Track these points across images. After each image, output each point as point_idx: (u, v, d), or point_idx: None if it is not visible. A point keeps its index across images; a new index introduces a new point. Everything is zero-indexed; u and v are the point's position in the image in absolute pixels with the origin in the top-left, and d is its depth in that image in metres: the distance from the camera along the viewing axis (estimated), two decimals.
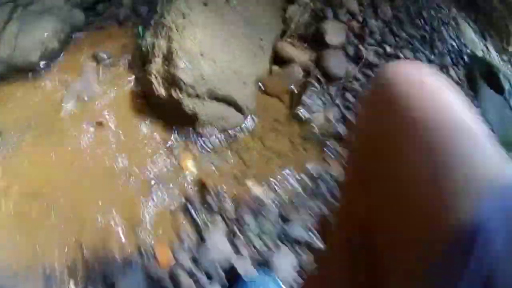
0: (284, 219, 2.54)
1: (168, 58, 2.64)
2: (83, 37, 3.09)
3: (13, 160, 2.61)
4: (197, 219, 2.47)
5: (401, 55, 3.27)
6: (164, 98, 2.68)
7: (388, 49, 3.26)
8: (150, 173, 2.59)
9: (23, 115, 2.83)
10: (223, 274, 2.27)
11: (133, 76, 2.85)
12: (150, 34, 2.85)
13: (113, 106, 2.76)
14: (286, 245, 2.49)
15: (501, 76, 3.50)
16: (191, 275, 2.25)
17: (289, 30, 3.09)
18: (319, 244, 2.40)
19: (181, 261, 2.29)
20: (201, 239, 2.41)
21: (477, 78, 3.40)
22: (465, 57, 3.57)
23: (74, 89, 2.88)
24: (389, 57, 3.26)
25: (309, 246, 2.45)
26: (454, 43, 3.61)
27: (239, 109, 2.76)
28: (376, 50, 3.22)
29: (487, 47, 3.89)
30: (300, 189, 2.67)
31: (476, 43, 3.81)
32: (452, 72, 3.44)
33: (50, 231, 2.35)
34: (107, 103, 2.79)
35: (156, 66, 2.69)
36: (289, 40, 3.07)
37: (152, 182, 2.57)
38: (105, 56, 2.94)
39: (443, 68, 3.40)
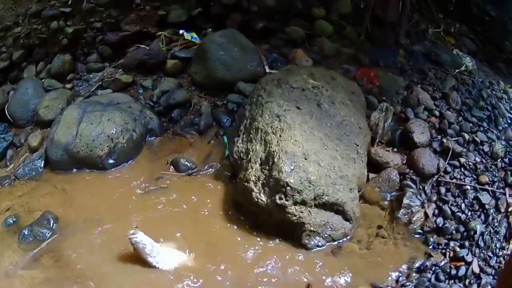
0: None
1: (269, 163, 2.66)
2: (158, 143, 3.11)
3: None
4: None
5: (477, 139, 3.50)
6: (264, 206, 2.65)
7: (467, 136, 3.47)
8: None
9: (83, 210, 2.82)
10: None
11: (223, 186, 2.85)
12: (240, 140, 2.90)
13: (205, 219, 2.71)
14: None
15: None
16: None
17: (378, 136, 3.24)
18: None
19: None
20: None
21: None
22: None
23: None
24: (468, 143, 3.47)
25: None
26: (511, 115, 3.93)
27: (346, 217, 2.74)
28: (457, 140, 3.41)
29: None
30: (411, 286, 2.65)
31: None
32: None
33: None
34: (196, 216, 2.73)
35: (255, 172, 2.70)
36: (379, 146, 3.22)
37: None
38: (188, 164, 2.94)
39: (509, 141, 3.65)
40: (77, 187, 3.08)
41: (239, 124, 3.00)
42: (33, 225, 2.81)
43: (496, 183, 3.33)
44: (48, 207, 2.92)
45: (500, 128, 3.81)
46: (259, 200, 2.66)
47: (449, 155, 3.31)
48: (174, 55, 3.58)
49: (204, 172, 2.93)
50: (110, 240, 2.69)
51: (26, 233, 2.78)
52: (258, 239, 2.70)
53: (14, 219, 2.92)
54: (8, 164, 3.47)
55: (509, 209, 3.20)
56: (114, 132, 3.10)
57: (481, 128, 3.69)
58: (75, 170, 3.18)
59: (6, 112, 3.69)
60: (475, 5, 4.69)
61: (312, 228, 2.67)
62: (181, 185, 2.90)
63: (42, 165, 3.27)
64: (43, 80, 3.83)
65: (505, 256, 2.99)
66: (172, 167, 2.97)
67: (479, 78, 4.17)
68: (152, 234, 2.69)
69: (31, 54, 4.00)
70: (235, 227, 2.74)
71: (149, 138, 3.21)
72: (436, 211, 3.09)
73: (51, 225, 2.81)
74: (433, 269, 2.75)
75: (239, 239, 2.71)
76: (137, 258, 2.51)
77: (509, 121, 3.90)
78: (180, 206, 2.78)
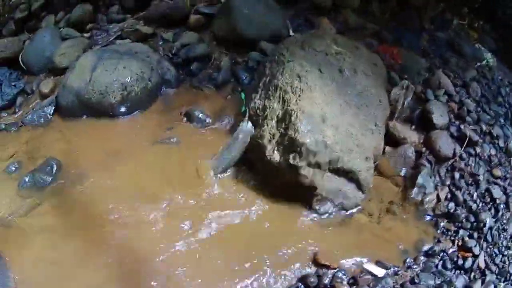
0: None
1: (285, 121, 2.54)
2: (174, 94, 3.02)
3: None
4: None
5: (494, 132, 3.42)
6: (276, 165, 2.53)
7: (484, 127, 3.38)
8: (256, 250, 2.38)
9: (89, 157, 2.74)
10: None
11: None
12: (258, 97, 2.78)
13: None
14: None
15: None
16: None
17: (397, 112, 3.11)
18: None
19: None
20: None
21: None
22: None
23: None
24: (485, 135, 3.38)
25: None
26: None
27: (359, 186, 2.62)
28: (474, 129, 3.32)
29: None
30: (418, 269, 2.55)
31: None
32: None
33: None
34: None
35: (270, 129, 2.57)
36: (398, 122, 3.10)
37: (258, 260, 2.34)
38: (201, 116, 2.84)
39: None
40: (85, 134, 2.97)
41: (258, 81, 2.87)
42: (35, 172, 2.71)
43: (508, 180, 3.24)
44: (53, 154, 2.81)
45: None
46: (272, 158, 2.54)
47: (466, 142, 3.23)
48: (198, 10, 3.43)
49: (217, 126, 2.83)
50: (115, 188, 2.60)
51: (27, 180, 2.67)
52: (266, 198, 2.58)
53: (16, 166, 2.81)
54: (17, 110, 3.36)
55: None
56: (128, 80, 2.97)
57: (498, 123, 3.61)
58: (85, 117, 3.06)
59: (20, 60, 3.56)
60: (501, 10, 4.62)
61: (324, 194, 2.55)
62: (193, 136, 2.79)
63: (51, 112, 3.15)
64: (61, 29, 3.69)
65: (510, 257, 2.90)
66: (185, 118, 2.88)
67: (498, 75, 4.09)
68: (157, 181, 2.61)
69: (51, 3, 3.85)
70: (244, 185, 2.63)
71: (164, 89, 3.11)
72: (449, 196, 2.99)
73: (54, 171, 2.70)
74: (441, 255, 2.65)
75: (244, 196, 2.59)
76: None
77: None
78: (188, 157, 2.67)
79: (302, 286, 2.28)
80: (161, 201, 2.49)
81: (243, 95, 2.94)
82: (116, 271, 2.21)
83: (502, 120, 3.66)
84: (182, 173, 2.60)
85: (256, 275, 2.28)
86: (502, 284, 2.65)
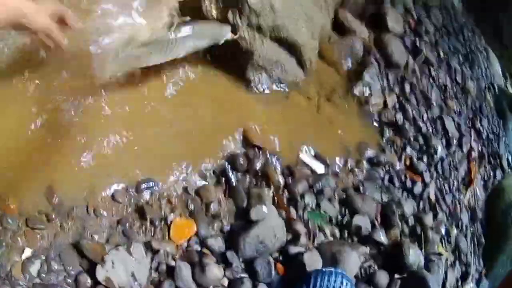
0: (345, 204, 2.11)
1: None
2: None
3: None
4: (240, 189, 1.90)
5: (451, 64, 3.28)
6: None
7: (441, 54, 3.23)
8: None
9: None
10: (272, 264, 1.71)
11: None
12: None
13: None
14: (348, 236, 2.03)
15: None
16: (220, 260, 1.70)
17: (347, 3, 2.82)
18: (382, 237, 2.01)
19: (210, 243, 1.71)
20: (242, 215, 1.86)
21: (505, 109, 3.53)
22: (496, 87, 3.71)
23: None
24: (441, 61, 3.22)
25: (370, 239, 2.02)
26: (486, 71, 3.76)
27: (300, 61, 2.34)
28: (431, 49, 3.15)
29: (506, 86, 4.08)
30: (361, 176, 2.29)
31: (500, 77, 3.98)
32: (488, 96, 3.51)
33: None
34: None
35: None
36: (349, 12, 2.85)
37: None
38: None
39: (481, 91, 3.45)
40: None
41: None
42: None
43: (463, 119, 3.08)
44: None
45: (474, 73, 3.60)
46: (209, 13, 2.21)
47: (421, 58, 3.04)
48: None
49: None
50: None
51: None
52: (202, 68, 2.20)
53: None
54: None
55: (471, 153, 2.93)
56: None
57: (456, 59, 3.46)
58: None
59: None
60: None
61: (260, 62, 2.24)
62: None
63: None
64: None
65: (460, 201, 2.70)
66: None
67: (462, 18, 3.96)
68: None
69: None
70: None
71: None
72: (397, 106, 2.78)
73: None
74: (386, 167, 2.38)
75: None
76: None
77: (483, 75, 3.72)
78: None
79: (230, 167, 1.93)
80: None
81: None
82: None
83: (461, 58, 3.52)
84: None
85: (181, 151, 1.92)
86: (455, 231, 2.42)
